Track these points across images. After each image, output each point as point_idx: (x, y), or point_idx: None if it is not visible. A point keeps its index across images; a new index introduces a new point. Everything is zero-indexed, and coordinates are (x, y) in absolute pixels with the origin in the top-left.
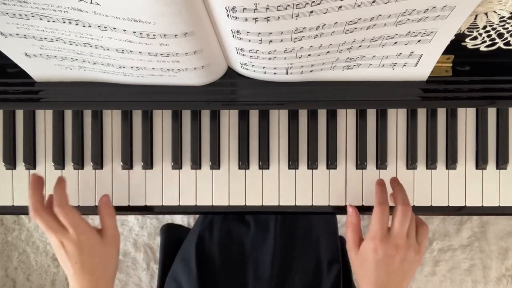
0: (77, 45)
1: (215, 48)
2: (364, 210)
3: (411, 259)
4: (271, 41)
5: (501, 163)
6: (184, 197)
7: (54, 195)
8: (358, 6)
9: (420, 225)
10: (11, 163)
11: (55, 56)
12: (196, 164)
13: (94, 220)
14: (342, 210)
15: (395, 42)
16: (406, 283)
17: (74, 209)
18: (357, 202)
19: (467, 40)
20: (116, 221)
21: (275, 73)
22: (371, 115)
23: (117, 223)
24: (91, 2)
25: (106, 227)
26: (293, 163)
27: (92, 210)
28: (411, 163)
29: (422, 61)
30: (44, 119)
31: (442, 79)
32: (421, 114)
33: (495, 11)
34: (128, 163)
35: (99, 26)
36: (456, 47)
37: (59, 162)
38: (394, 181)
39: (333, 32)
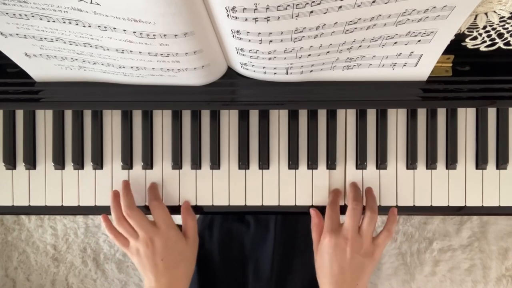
0: (77, 45)
1: (215, 48)
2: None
3: (362, 255)
4: (271, 41)
5: (501, 163)
6: (184, 197)
7: (148, 192)
8: (358, 6)
9: (385, 230)
10: (11, 163)
11: (55, 56)
12: (196, 164)
13: (94, 220)
14: (342, 210)
15: (395, 42)
16: (362, 282)
17: (165, 207)
18: None
19: (467, 40)
20: (197, 225)
21: (275, 73)
22: (371, 115)
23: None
24: (91, 2)
25: (189, 229)
26: (293, 163)
27: (91, 210)
28: (411, 163)
29: (422, 61)
30: (44, 119)
31: (442, 79)
32: (421, 114)
33: (495, 11)
34: (128, 163)
35: (99, 26)
36: (456, 47)
37: (59, 162)
38: (351, 184)
39: (333, 32)
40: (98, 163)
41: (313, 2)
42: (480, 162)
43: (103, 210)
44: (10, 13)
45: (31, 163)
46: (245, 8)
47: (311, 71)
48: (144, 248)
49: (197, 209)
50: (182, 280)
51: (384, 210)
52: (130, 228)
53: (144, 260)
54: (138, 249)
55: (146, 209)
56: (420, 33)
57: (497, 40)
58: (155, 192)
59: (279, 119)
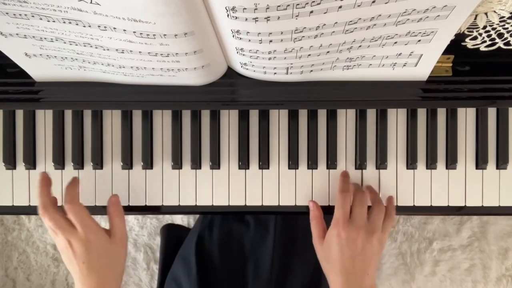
0: (77, 45)
1: (215, 48)
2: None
3: (373, 244)
4: (271, 41)
5: (501, 163)
6: (184, 197)
7: (65, 193)
8: (358, 6)
9: (387, 216)
10: (11, 163)
11: (55, 56)
12: (196, 164)
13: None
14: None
15: (395, 42)
16: (371, 271)
17: (84, 208)
18: None
19: (467, 40)
20: (125, 221)
21: (275, 73)
22: (371, 115)
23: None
24: (91, 2)
25: (115, 227)
26: (293, 163)
27: (91, 210)
28: (411, 163)
29: (422, 61)
30: (44, 119)
31: (442, 79)
32: (421, 114)
33: (495, 11)
34: (128, 163)
35: (99, 26)
36: (456, 47)
37: (59, 162)
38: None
39: (333, 32)
40: (98, 163)
41: (313, 2)
42: (480, 162)
43: (104, 210)
44: (10, 13)
45: (31, 163)
46: (245, 8)
47: (311, 71)
48: (64, 249)
49: (196, 209)
50: (112, 279)
51: None
52: (53, 224)
53: (65, 261)
54: (60, 249)
55: (147, 209)
56: (420, 33)
57: (497, 40)
58: (72, 193)
59: (279, 119)
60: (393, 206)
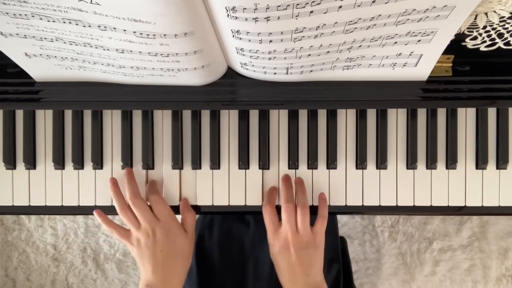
0: (77, 45)
1: (215, 48)
2: (365, 209)
3: (305, 248)
4: (271, 41)
5: (501, 163)
6: (184, 197)
7: (149, 186)
8: (358, 6)
9: (318, 216)
10: (11, 163)
11: (55, 56)
12: (196, 164)
13: (94, 220)
14: (342, 210)
15: (395, 42)
16: (313, 271)
17: (166, 202)
18: (357, 202)
19: (467, 40)
20: (195, 222)
21: (275, 73)
22: (371, 115)
23: (118, 223)
24: (91, 2)
25: (188, 225)
26: (293, 163)
27: (91, 210)
28: (411, 163)
29: (422, 61)
30: (44, 119)
31: (442, 79)
32: (421, 114)
33: (495, 11)
34: (128, 163)
35: (99, 26)
36: (456, 47)
37: (59, 162)
38: (282, 179)
39: (333, 32)
40: (98, 163)
41: (313, 2)
42: (480, 162)
43: (103, 210)
44: (10, 13)
45: (31, 163)
46: (245, 8)
47: (311, 71)
48: (145, 238)
49: (197, 209)
50: (178, 275)
51: (384, 210)
52: (133, 218)
53: (144, 250)
54: (139, 239)
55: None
56: (420, 33)
57: (497, 40)
58: (154, 187)
59: (279, 119)
60: (325, 206)
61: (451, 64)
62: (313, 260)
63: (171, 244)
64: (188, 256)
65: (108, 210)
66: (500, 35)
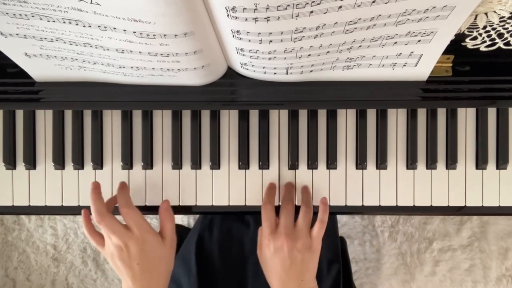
0: (77, 45)
1: (215, 48)
2: (365, 209)
3: (300, 250)
4: (271, 41)
5: (501, 163)
6: (184, 197)
7: (119, 197)
8: (358, 6)
9: (317, 220)
10: (11, 163)
11: (55, 56)
12: (196, 164)
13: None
14: (342, 210)
15: (395, 42)
16: (307, 277)
17: (139, 211)
18: (357, 202)
19: (467, 40)
20: (174, 226)
21: (275, 73)
22: (371, 115)
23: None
24: (91, 2)
25: (166, 230)
26: (293, 163)
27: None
28: (411, 163)
29: (422, 61)
30: (44, 119)
31: (442, 79)
32: (421, 114)
33: (495, 11)
34: (128, 163)
35: (99, 26)
36: (456, 47)
37: (59, 162)
38: (285, 185)
39: (333, 32)
40: (98, 163)
41: (313, 2)
42: (480, 162)
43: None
44: (10, 13)
45: (31, 163)
46: (245, 8)
47: (311, 71)
48: (119, 252)
49: (197, 209)
50: (160, 280)
51: (384, 210)
52: (105, 231)
53: (119, 264)
54: (113, 253)
55: (147, 209)
56: (420, 33)
57: (497, 40)
58: (125, 197)
59: (279, 119)
60: (326, 211)
61: (451, 64)
62: (309, 265)
63: (148, 256)
64: (168, 261)
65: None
66: (500, 35)
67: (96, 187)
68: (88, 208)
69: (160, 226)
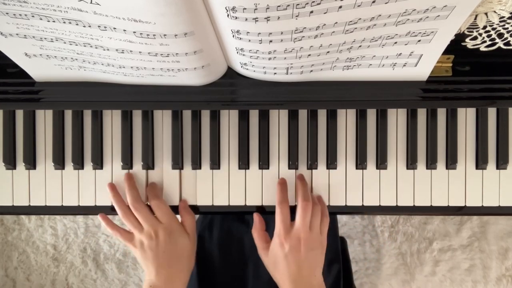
0: (77, 45)
1: (215, 48)
2: (365, 209)
3: (315, 249)
4: (271, 41)
5: (501, 163)
6: (184, 197)
7: (149, 190)
8: (358, 6)
9: (322, 217)
10: (11, 163)
11: (55, 56)
12: (196, 164)
13: (94, 220)
14: (342, 210)
15: (395, 42)
16: (318, 271)
17: (167, 204)
18: (357, 202)
19: (467, 40)
20: (195, 223)
21: (275, 73)
22: (371, 115)
23: (117, 223)
24: (91, 2)
25: (188, 226)
26: (293, 163)
27: (91, 210)
28: (411, 163)
29: (422, 61)
30: (44, 119)
31: (442, 79)
32: (421, 114)
33: (495, 11)
34: (128, 163)
35: (99, 26)
36: (456, 47)
37: (59, 162)
38: (298, 178)
39: (333, 32)
40: (98, 163)
41: (313, 2)
42: (480, 162)
43: (103, 210)
44: (10, 13)
45: (31, 163)
46: (245, 8)
47: (311, 71)
48: (148, 240)
49: (197, 209)
50: (181, 276)
51: (384, 210)
52: (136, 221)
53: (148, 252)
54: (142, 242)
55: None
56: (420, 33)
57: (497, 40)
58: (155, 191)
59: (279, 119)
60: (324, 204)
61: (451, 64)
62: (319, 260)
63: (174, 245)
64: (190, 257)
65: (108, 210)
66: (500, 35)
67: (130, 177)
68: (88, 208)
69: (182, 224)
